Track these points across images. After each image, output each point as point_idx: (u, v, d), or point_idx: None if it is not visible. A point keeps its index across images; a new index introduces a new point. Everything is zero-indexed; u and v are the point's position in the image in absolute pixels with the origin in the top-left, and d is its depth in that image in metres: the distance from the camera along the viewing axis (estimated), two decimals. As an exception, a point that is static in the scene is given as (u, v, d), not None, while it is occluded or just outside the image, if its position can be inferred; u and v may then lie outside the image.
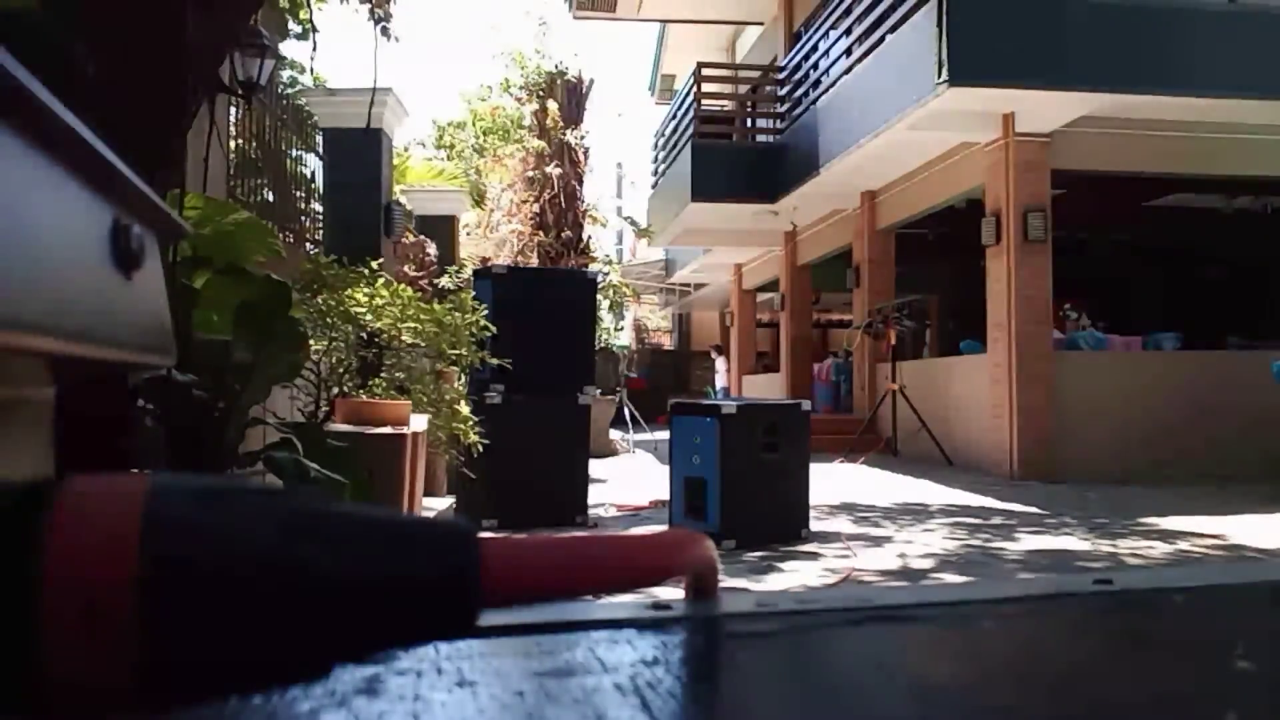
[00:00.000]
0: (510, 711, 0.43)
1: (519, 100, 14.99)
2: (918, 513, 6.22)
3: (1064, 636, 0.59)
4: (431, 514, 5.62)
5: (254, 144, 6.69)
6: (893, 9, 8.92)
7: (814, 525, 5.33)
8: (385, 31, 4.67)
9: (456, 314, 5.06)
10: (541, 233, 13.85)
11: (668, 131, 15.03)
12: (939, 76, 7.65)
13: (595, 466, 7.05)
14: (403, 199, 9.61)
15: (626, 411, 13.40)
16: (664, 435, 6.01)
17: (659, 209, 15.57)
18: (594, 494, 6.42)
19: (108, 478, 0.39)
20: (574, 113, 14.44)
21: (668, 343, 27.02)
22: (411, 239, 9.64)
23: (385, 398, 4.82)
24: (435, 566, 0.43)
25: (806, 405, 5.42)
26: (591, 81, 14.84)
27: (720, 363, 20.88)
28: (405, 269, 8.97)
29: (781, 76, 12.88)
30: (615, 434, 12.80)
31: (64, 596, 0.35)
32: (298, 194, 7.70)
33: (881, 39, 9.12)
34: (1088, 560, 4.52)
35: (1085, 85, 7.82)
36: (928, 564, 4.42)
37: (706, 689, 0.50)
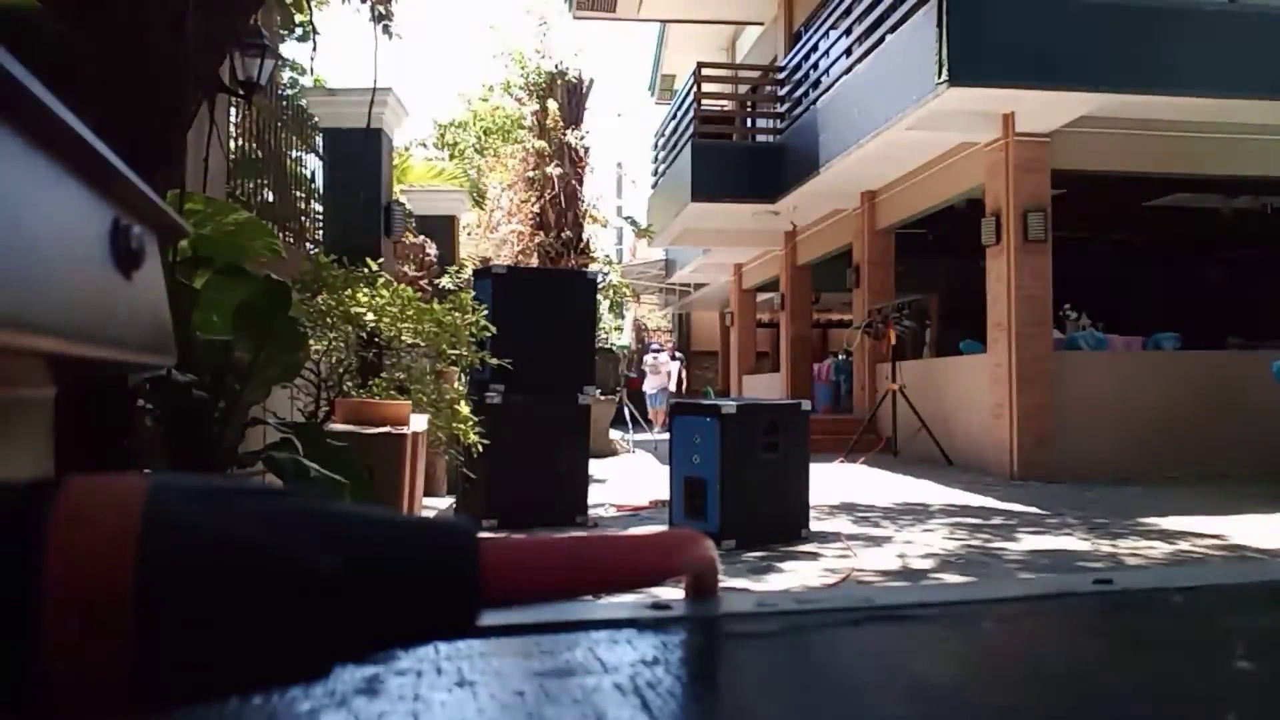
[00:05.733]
0: (510, 711, 0.43)
1: (519, 100, 14.99)
2: (918, 513, 6.22)
3: (1064, 636, 0.59)
4: (431, 514, 5.62)
5: (254, 144, 6.69)
6: (893, 9, 8.92)
7: (814, 525, 5.33)
8: (387, 30, 4.67)
9: (456, 314, 5.06)
10: (542, 233, 13.85)
11: (668, 131, 15.03)
12: (939, 76, 7.65)
13: (595, 466, 7.06)
14: (403, 199, 9.61)
15: (626, 411, 13.40)
16: (664, 435, 6.01)
17: (659, 209, 15.57)
18: (594, 494, 6.42)
19: (108, 478, 0.39)
20: (574, 113, 14.44)
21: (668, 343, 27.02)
22: (412, 239, 9.64)
23: (385, 398, 4.82)
24: (435, 566, 0.43)
25: (806, 405, 5.42)
26: (591, 81, 14.84)
27: (662, 359, 17.93)
28: (405, 269, 8.98)
29: (781, 76, 12.88)
30: (615, 434, 12.80)
31: (64, 596, 0.35)
32: (298, 194, 7.69)
33: (881, 39, 9.12)
34: (1088, 560, 4.52)
35: (1085, 85, 7.82)
36: (928, 564, 4.43)
37: (706, 689, 0.50)
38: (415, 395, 4.95)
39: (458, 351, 5.02)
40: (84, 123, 0.58)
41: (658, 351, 18.86)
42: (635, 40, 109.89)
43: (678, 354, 20.32)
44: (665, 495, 5.47)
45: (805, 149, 11.18)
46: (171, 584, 0.36)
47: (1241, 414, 8.30)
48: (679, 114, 14.12)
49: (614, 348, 19.37)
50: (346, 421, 4.45)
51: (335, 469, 2.16)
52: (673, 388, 17.84)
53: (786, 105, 12.57)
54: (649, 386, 17.71)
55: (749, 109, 14.84)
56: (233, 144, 6.07)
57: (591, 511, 5.99)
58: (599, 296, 9.84)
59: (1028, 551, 4.75)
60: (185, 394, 2.03)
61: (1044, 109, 8.15)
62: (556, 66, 14.59)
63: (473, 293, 5.84)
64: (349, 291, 4.71)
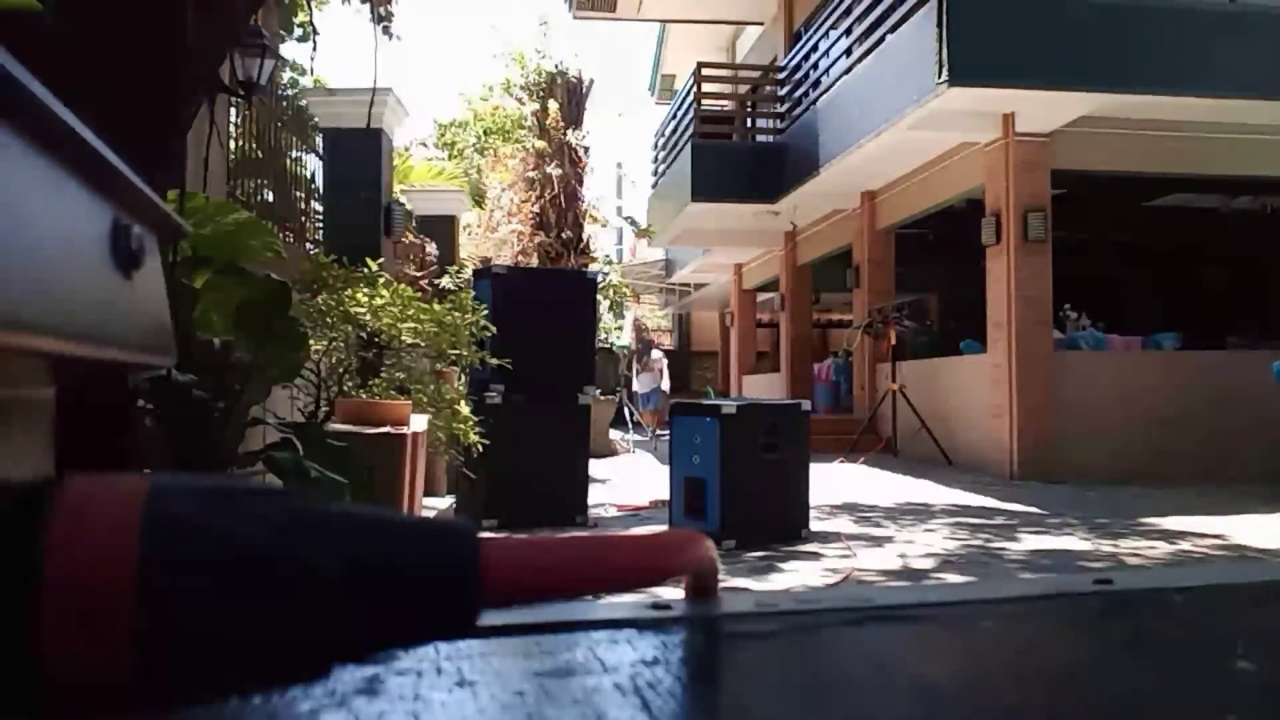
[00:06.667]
0: (510, 711, 0.43)
1: (519, 100, 14.98)
2: (918, 513, 6.22)
3: (1064, 636, 0.59)
4: (431, 514, 5.62)
5: (254, 144, 6.69)
6: (893, 9, 8.92)
7: (814, 525, 5.33)
8: (387, 30, 4.67)
9: (456, 314, 5.06)
10: (542, 233, 13.84)
11: (668, 131, 15.03)
12: (939, 76, 7.65)
13: (595, 466, 7.05)
14: (403, 199, 9.60)
15: (626, 411, 13.39)
16: (662, 435, 6.01)
17: (659, 209, 15.57)
18: (594, 494, 6.42)
19: (108, 478, 0.39)
20: (574, 113, 14.43)
21: (668, 342, 27.02)
22: (411, 239, 9.64)
23: (385, 398, 4.82)
24: (435, 566, 0.43)
25: (806, 405, 5.42)
26: (591, 81, 14.83)
27: (654, 355, 17.18)
28: (405, 269, 8.97)
29: (781, 76, 12.88)
30: (615, 434, 12.80)
31: (64, 596, 0.35)
32: (298, 194, 7.70)
33: (881, 39, 9.13)
34: (1088, 560, 4.52)
35: (1085, 85, 7.82)
36: (928, 564, 4.42)
37: (706, 689, 0.50)
38: (415, 395, 4.95)
39: (458, 351, 5.02)
40: (84, 123, 0.58)
41: (644, 352, 18.34)
42: (635, 40, 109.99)
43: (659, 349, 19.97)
44: (665, 495, 5.46)
45: (805, 149, 11.18)
46: (172, 584, 0.36)
47: (1241, 414, 8.29)
48: (679, 114, 14.12)
49: (614, 348, 19.31)
50: (346, 421, 4.45)
51: (335, 469, 2.16)
52: (665, 386, 17.54)
53: (786, 105, 12.57)
54: (640, 385, 17.08)
55: (749, 109, 14.83)
56: (233, 144, 6.07)
57: (591, 511, 5.99)
58: (599, 296, 9.84)
59: (1028, 551, 4.75)
60: (185, 394, 2.03)
61: (1044, 109, 8.15)
62: (557, 66, 14.59)
63: (473, 293, 5.84)
64: (349, 291, 4.71)
